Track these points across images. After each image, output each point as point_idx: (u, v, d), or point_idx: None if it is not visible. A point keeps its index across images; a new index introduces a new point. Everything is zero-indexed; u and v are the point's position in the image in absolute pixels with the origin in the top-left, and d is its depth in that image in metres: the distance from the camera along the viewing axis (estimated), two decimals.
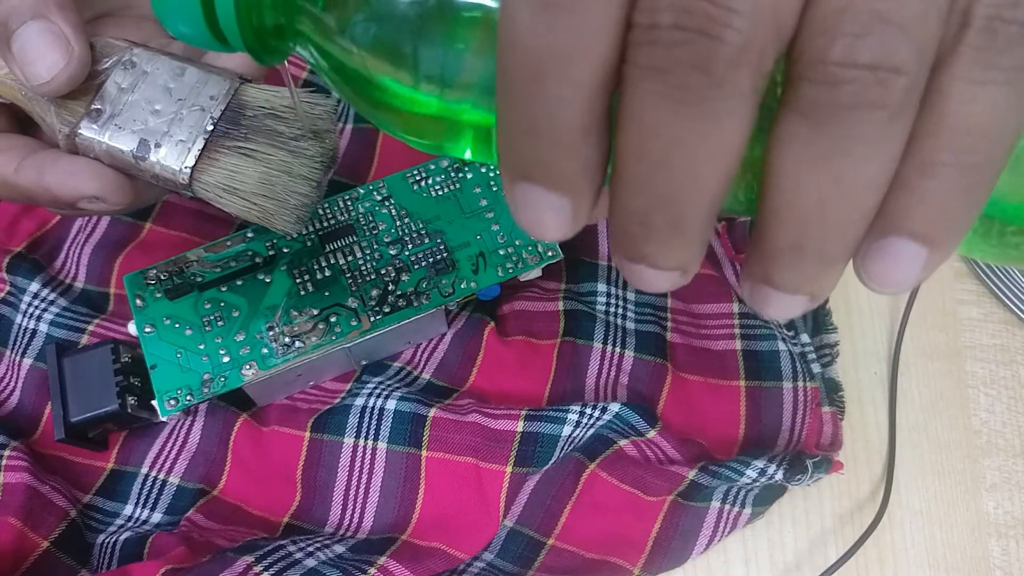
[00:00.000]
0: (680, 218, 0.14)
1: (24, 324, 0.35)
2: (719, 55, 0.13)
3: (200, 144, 0.26)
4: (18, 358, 0.35)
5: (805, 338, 0.36)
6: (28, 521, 0.30)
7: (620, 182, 0.14)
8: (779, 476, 0.32)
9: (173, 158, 0.26)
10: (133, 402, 0.32)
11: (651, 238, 0.15)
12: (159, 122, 0.26)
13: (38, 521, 0.31)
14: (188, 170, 0.26)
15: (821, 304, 0.37)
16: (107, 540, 0.32)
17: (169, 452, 0.34)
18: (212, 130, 0.26)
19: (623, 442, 0.33)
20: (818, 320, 0.37)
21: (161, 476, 0.33)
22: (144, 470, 0.34)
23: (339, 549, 0.31)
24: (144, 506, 0.33)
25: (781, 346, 0.35)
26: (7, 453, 0.31)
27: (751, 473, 0.31)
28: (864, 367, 0.37)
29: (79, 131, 0.26)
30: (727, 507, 0.33)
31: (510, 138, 0.15)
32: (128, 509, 0.33)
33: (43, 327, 0.35)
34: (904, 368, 0.37)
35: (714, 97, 0.13)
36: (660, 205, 0.14)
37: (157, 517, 0.33)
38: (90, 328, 0.35)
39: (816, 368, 0.35)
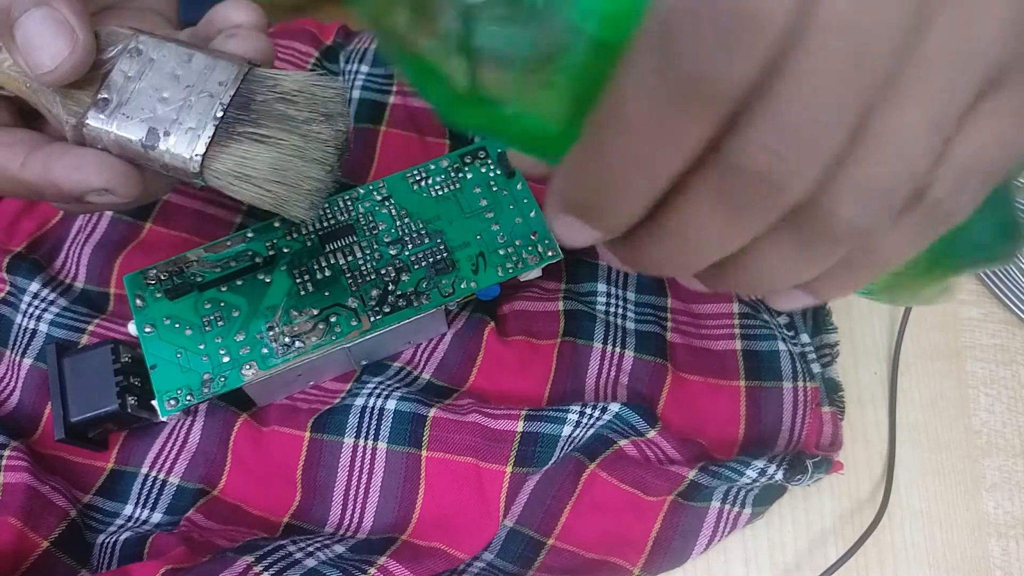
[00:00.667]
0: (677, 269, 0.19)
1: (24, 324, 0.35)
2: (781, 198, 0.16)
3: (210, 131, 0.26)
4: (18, 358, 0.35)
5: (805, 338, 0.36)
6: (28, 521, 0.30)
7: (652, 243, 0.18)
8: (779, 476, 0.32)
9: (183, 146, 0.26)
10: (133, 402, 0.32)
11: (640, 267, 0.20)
12: (168, 110, 0.26)
13: (38, 521, 0.31)
14: (199, 158, 0.26)
15: (821, 304, 0.37)
16: (107, 540, 0.32)
17: (169, 452, 0.34)
18: (222, 116, 0.26)
19: (623, 442, 0.33)
20: (818, 320, 0.37)
21: (161, 476, 0.33)
22: (144, 470, 0.34)
23: (339, 549, 0.31)
24: (144, 506, 0.33)
25: (781, 346, 0.35)
26: (7, 453, 0.31)
27: (751, 473, 0.31)
28: (864, 367, 0.37)
29: (86, 122, 0.26)
30: (727, 507, 0.33)
31: (578, 181, 0.18)
32: (128, 509, 0.33)
33: (43, 327, 0.35)
34: (904, 368, 0.37)
35: (759, 214, 0.17)
36: (668, 261, 0.19)
37: (157, 517, 0.33)
38: (90, 328, 0.35)
39: (816, 368, 0.35)
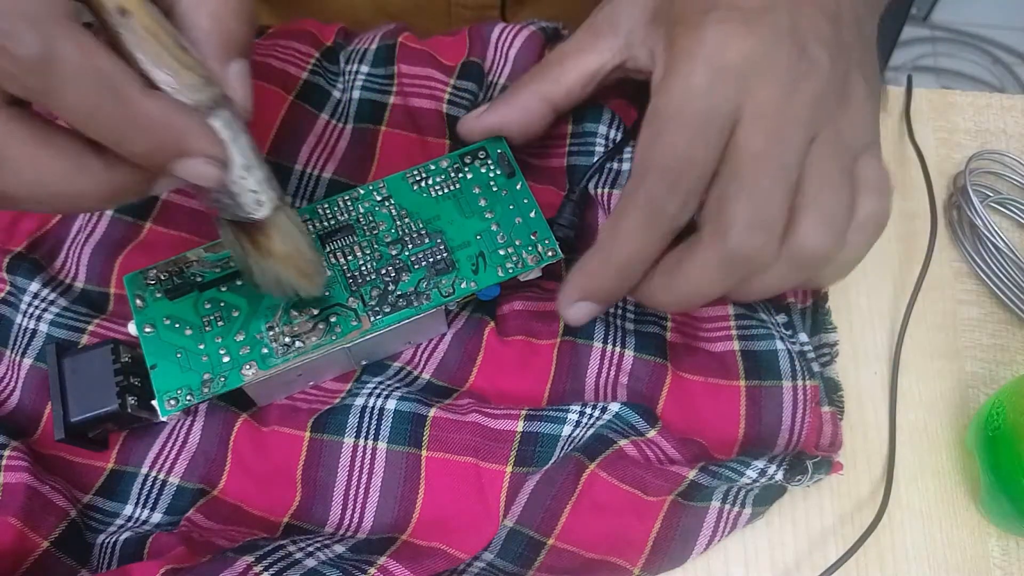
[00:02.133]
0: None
1: (24, 324, 0.35)
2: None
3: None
4: (18, 358, 0.35)
5: (803, 337, 0.36)
6: (28, 521, 0.30)
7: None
8: (779, 476, 0.32)
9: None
10: (133, 402, 0.32)
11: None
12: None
13: (38, 521, 0.31)
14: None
15: (821, 304, 0.37)
16: (107, 540, 0.32)
17: (169, 452, 0.34)
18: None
19: (623, 442, 0.33)
20: (817, 320, 0.37)
21: (161, 476, 0.33)
22: (144, 470, 0.34)
23: (339, 549, 0.31)
24: (144, 506, 0.33)
25: (779, 345, 0.35)
26: (7, 453, 0.31)
27: (751, 473, 0.31)
28: (864, 367, 0.37)
29: (214, 109, 0.26)
30: (727, 507, 0.33)
31: (607, 274, 0.30)
32: (128, 509, 0.33)
33: (43, 327, 0.35)
34: (904, 368, 0.37)
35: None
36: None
37: (157, 517, 0.33)
38: (90, 328, 0.35)
39: (815, 367, 0.35)
